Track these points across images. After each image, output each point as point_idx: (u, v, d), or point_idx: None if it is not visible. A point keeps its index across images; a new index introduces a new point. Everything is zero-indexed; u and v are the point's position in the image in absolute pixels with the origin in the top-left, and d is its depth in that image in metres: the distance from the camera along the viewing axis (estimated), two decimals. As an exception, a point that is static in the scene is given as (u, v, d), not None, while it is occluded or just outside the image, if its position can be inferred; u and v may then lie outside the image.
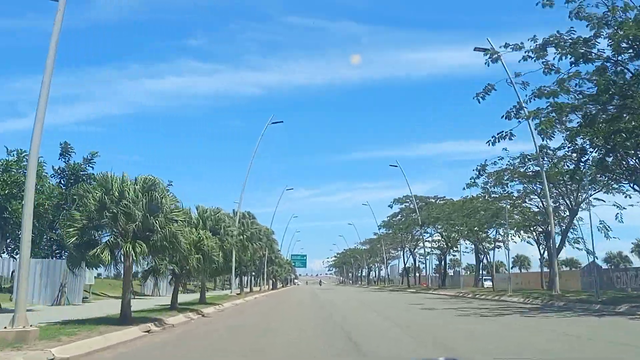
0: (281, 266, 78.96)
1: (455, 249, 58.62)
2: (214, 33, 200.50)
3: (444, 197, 52.57)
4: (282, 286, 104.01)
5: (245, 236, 40.56)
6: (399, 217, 59.00)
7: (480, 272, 51.22)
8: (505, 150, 31.59)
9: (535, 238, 38.93)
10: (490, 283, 46.17)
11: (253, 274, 70.15)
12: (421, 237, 56.99)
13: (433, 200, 55.74)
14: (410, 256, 75.12)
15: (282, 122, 38.90)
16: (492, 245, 40.78)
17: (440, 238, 59.54)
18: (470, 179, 32.04)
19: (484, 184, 35.14)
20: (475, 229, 39.71)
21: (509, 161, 31.39)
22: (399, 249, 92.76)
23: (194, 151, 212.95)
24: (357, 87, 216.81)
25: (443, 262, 59.31)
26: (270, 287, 73.73)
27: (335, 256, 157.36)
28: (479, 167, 29.67)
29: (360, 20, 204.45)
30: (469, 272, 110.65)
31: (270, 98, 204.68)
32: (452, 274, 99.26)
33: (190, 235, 18.51)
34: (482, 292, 36.53)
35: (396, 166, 52.15)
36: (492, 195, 35.45)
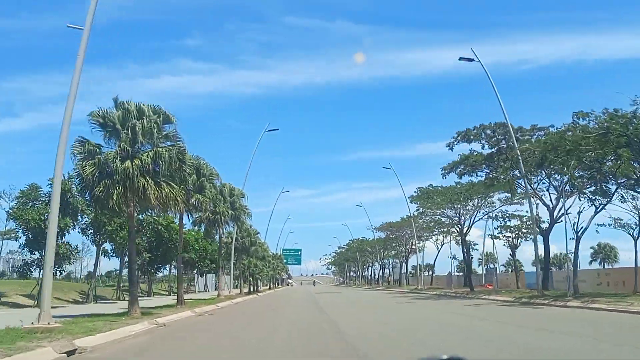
0: (264, 259, 53.81)
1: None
2: (210, 33, 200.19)
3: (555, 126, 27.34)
4: (270, 288, 78.76)
5: (139, 162, 15.51)
6: (460, 169, 33.92)
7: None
8: None
9: None
10: None
11: (235, 273, 45.63)
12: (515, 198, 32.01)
13: (528, 136, 30.92)
14: (446, 245, 50.25)
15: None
16: None
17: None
18: None
19: None
20: None
21: None
22: (425, 236, 68.48)
23: (191, 151, 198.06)
24: (356, 88, 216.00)
25: (542, 251, 34.28)
26: (248, 290, 48.64)
27: (335, 252, 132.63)
28: None
29: (359, 20, 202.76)
30: (510, 270, 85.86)
31: (268, 98, 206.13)
32: (485, 272, 74.55)
33: None
34: None
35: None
36: None
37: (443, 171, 34.01)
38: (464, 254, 43.21)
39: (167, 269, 50.03)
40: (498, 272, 70.77)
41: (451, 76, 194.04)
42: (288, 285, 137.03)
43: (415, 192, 45.51)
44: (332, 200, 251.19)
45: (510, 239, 41.53)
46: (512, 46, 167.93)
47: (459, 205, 38.65)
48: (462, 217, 38.85)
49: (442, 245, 69.20)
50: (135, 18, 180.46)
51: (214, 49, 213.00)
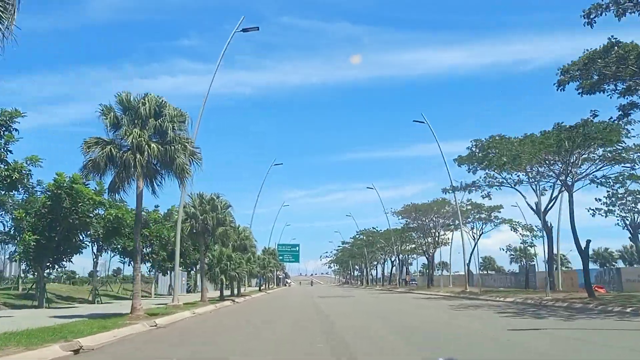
0: (245, 250, 38.15)
1: None
2: (207, 33, 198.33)
3: None
4: (260, 289, 63.13)
5: None
6: (585, 79, 18.28)
7: None
8: None
9: None
10: None
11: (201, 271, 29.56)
12: None
13: None
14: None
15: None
16: None
17: None
18: None
19: None
20: None
21: None
22: (454, 226, 53.85)
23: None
24: (352, 88, 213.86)
25: None
26: (220, 294, 32.85)
27: (338, 248, 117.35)
28: None
29: (356, 21, 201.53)
30: (567, 267, 70.04)
31: (264, 98, 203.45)
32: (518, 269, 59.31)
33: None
34: None
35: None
36: None
37: (562, 76, 18.28)
38: (549, 241, 27.55)
39: (94, 261, 34.22)
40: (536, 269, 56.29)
41: (449, 76, 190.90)
42: (286, 285, 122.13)
43: (468, 147, 29.98)
44: (329, 201, 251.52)
45: (631, 214, 25.95)
46: (510, 46, 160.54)
47: (557, 158, 23.03)
48: (567, 175, 23.17)
49: (480, 235, 54.26)
50: (131, 19, 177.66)
51: (210, 49, 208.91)
